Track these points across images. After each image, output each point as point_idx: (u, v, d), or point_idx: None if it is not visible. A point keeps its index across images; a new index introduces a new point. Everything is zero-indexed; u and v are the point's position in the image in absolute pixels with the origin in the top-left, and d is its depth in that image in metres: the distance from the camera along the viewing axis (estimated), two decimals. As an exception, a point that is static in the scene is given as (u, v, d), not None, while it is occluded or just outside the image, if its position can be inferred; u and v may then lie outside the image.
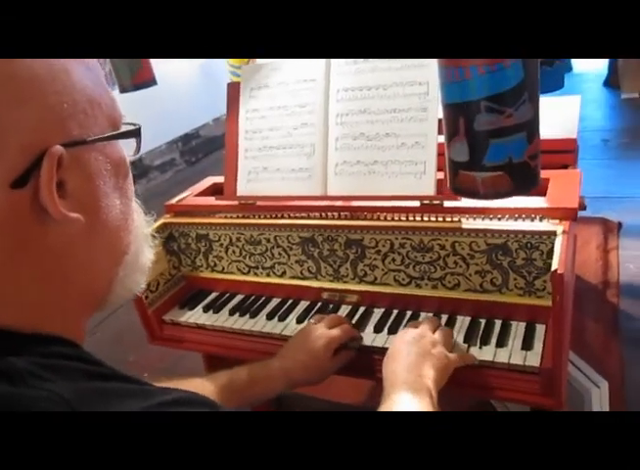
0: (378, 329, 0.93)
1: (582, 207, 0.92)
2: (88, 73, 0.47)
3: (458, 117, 0.66)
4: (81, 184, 0.45)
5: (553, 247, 0.77)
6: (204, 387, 0.84)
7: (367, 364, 0.90)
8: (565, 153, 1.00)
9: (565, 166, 1.00)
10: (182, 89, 4.00)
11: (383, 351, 0.82)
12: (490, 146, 0.67)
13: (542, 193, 0.87)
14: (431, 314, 0.94)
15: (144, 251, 0.55)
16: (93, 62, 0.49)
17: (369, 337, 0.93)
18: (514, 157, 0.67)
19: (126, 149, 0.54)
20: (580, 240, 2.06)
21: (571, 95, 1.33)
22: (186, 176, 4.11)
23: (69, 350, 0.45)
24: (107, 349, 2.24)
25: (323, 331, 0.89)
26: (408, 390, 0.69)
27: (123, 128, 0.51)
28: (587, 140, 3.09)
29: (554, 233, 0.79)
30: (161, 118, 4.05)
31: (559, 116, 1.13)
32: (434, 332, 0.82)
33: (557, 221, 0.82)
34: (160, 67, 4.07)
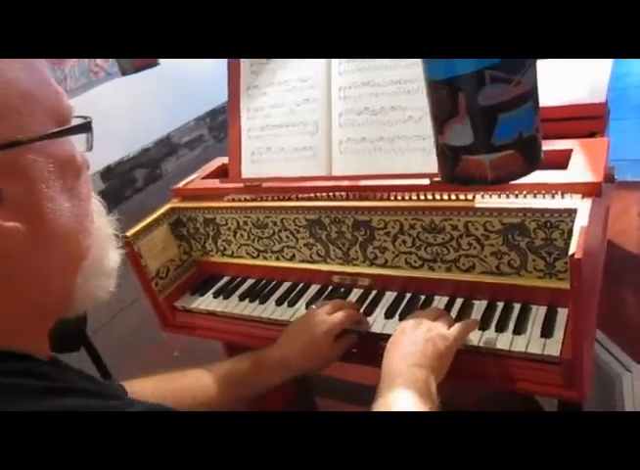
0: (389, 315, 0.89)
1: (610, 179, 0.83)
2: (19, 65, 0.42)
3: (456, 93, 0.58)
4: (19, 189, 0.41)
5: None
6: (201, 380, 0.82)
7: (378, 352, 0.86)
8: (592, 119, 0.91)
9: (592, 135, 0.91)
10: (207, 64, 3.95)
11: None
12: (499, 122, 0.60)
13: (564, 166, 0.80)
14: (446, 298, 0.89)
15: (108, 254, 0.51)
16: None
17: (380, 323, 0.88)
18: (524, 131, 0.60)
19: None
20: (620, 207, 1.95)
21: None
22: (214, 152, 4.09)
23: (19, 364, 0.42)
24: (140, 327, 2.28)
25: (323, 317, 0.85)
26: (402, 384, 0.65)
27: (74, 123, 0.47)
28: (631, 98, 2.90)
29: (575, 211, 0.72)
30: (188, 95, 4.03)
31: (587, 78, 1.03)
32: (434, 319, 0.77)
33: (580, 197, 0.75)
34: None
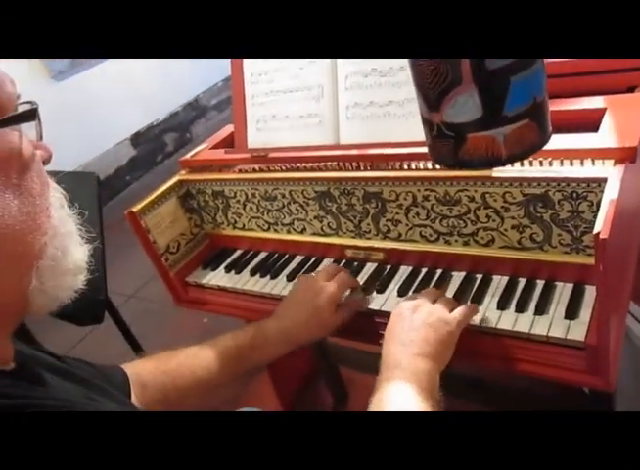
0: (402, 293, 0.83)
1: (649, 140, 0.74)
2: None
3: (458, 63, 0.49)
4: None
5: (603, 197, 0.62)
6: (200, 356, 0.80)
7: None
8: (630, 71, 0.80)
9: (630, 89, 0.81)
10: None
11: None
12: (511, 87, 0.51)
13: (594, 128, 0.71)
14: (463, 274, 0.83)
15: (69, 251, 0.47)
16: None
17: (392, 301, 0.83)
18: (538, 95, 0.52)
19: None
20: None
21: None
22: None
23: None
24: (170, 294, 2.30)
25: (322, 284, 0.81)
26: (401, 377, 0.61)
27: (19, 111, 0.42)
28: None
29: (605, 180, 0.64)
30: (214, 55, 3.94)
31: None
32: (433, 302, 0.71)
33: (612, 163, 0.66)
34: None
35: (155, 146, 3.72)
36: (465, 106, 0.51)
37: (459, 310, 0.71)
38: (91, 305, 1.28)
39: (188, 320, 2.10)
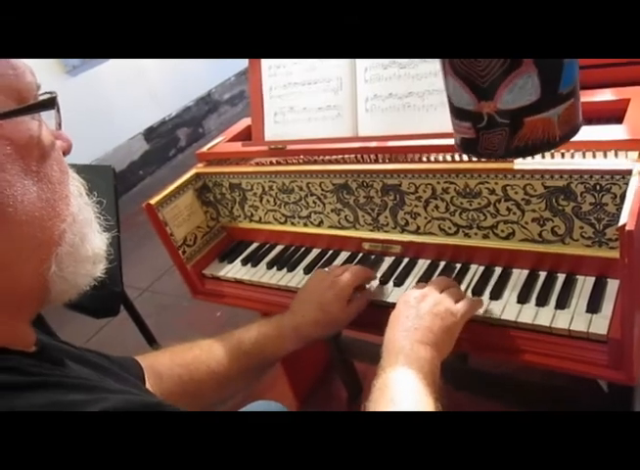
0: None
1: (674, 132, 0.73)
2: None
3: None
4: None
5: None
6: (214, 350, 0.80)
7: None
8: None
9: (655, 80, 0.80)
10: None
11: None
12: (564, 66, 0.50)
13: (619, 119, 0.70)
14: (482, 267, 0.82)
15: (88, 238, 0.48)
16: None
17: (411, 294, 0.83)
18: (577, 74, 0.52)
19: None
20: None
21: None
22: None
23: None
24: (184, 287, 2.31)
25: (332, 280, 0.81)
26: (404, 362, 0.61)
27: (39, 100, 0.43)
28: None
29: (629, 172, 0.63)
30: (227, 50, 3.94)
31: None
32: (441, 291, 0.71)
33: (636, 155, 0.66)
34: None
35: (167, 141, 3.73)
36: (524, 88, 0.49)
37: (464, 302, 0.71)
38: (107, 297, 1.29)
39: (201, 314, 2.11)
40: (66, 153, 0.49)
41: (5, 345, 0.42)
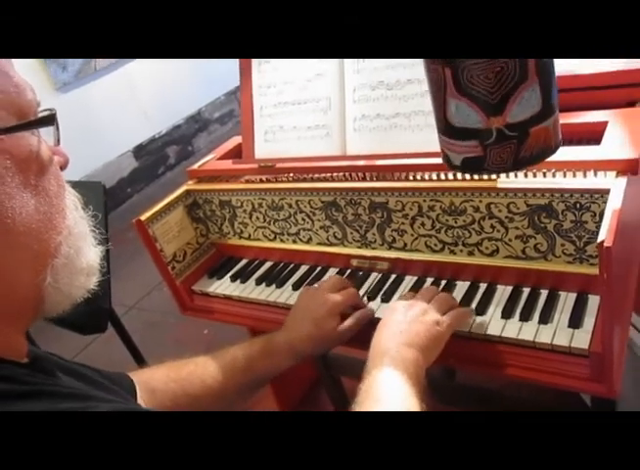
0: (407, 301, 0.84)
1: (650, 153, 0.76)
2: None
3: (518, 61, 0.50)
4: None
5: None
6: (209, 366, 0.80)
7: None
8: (632, 86, 0.83)
9: (632, 104, 0.83)
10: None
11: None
12: (554, 77, 0.53)
13: (597, 140, 0.73)
14: (468, 283, 0.84)
15: (83, 251, 0.49)
16: None
17: (398, 310, 0.84)
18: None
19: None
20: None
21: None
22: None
23: None
24: (171, 305, 2.31)
25: (326, 297, 0.82)
26: (389, 363, 0.63)
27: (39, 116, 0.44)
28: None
29: (607, 191, 0.65)
30: (218, 70, 3.98)
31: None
32: (429, 301, 0.73)
33: (614, 174, 0.68)
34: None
35: (157, 158, 3.74)
36: (529, 101, 0.51)
37: (452, 314, 0.73)
38: (95, 314, 1.29)
39: (189, 332, 2.10)
40: (62, 168, 0.50)
41: (3, 354, 0.43)
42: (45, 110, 0.48)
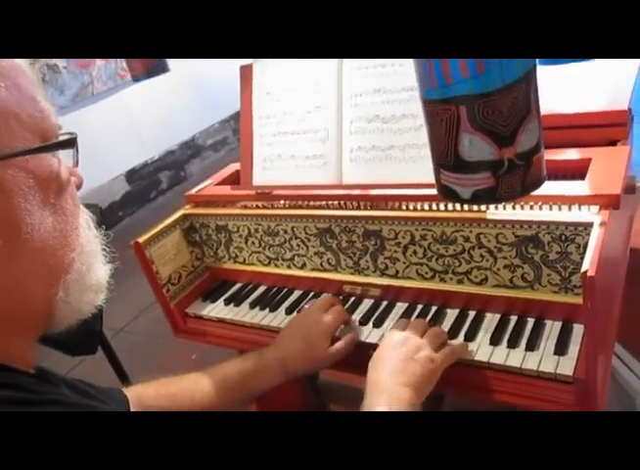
0: (398, 327, 0.87)
1: (630, 189, 0.80)
2: (5, 88, 0.43)
3: (529, 90, 0.54)
4: None
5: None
6: (199, 383, 0.82)
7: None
8: (613, 126, 0.87)
9: (613, 143, 0.87)
10: (231, 68, 3.98)
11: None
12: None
13: (582, 176, 0.77)
14: (457, 311, 0.86)
15: (94, 268, 0.51)
16: (11, 70, 0.45)
17: (389, 335, 0.86)
18: None
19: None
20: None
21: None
22: (239, 154, 4.12)
23: None
24: (159, 329, 2.30)
25: (318, 317, 0.85)
26: (387, 402, 0.65)
27: (60, 139, 0.47)
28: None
29: (591, 224, 0.69)
30: (213, 98, 4.06)
31: (609, 83, 0.99)
32: (422, 335, 0.75)
33: (597, 209, 0.72)
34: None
35: (149, 183, 3.77)
36: (532, 131, 0.55)
37: (445, 351, 0.75)
38: (86, 335, 1.29)
39: (177, 356, 2.09)
40: (77, 188, 0.53)
41: (10, 363, 0.44)
42: (66, 133, 0.50)
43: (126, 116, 3.56)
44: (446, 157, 0.57)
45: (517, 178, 0.58)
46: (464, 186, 0.59)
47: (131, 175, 3.64)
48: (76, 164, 0.52)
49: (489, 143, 0.55)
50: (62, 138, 0.49)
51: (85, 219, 0.52)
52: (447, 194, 0.61)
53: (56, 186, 0.47)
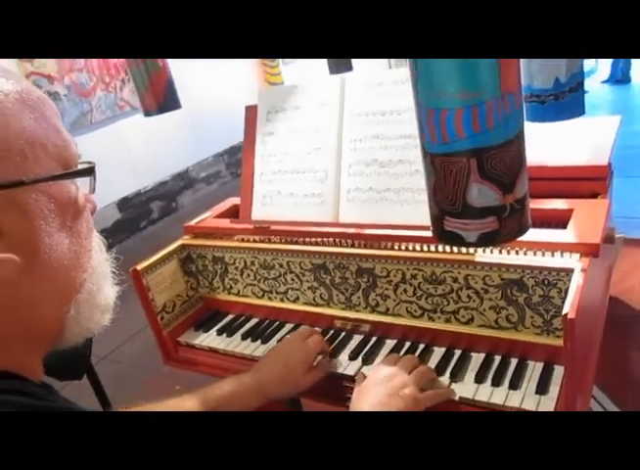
0: (387, 363, 0.90)
1: (610, 240, 0.85)
2: (31, 116, 0.47)
3: (523, 145, 0.58)
4: (18, 225, 0.45)
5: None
6: (181, 407, 0.84)
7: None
8: (594, 180, 0.93)
9: (594, 195, 0.93)
10: (227, 103, 4.08)
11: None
12: None
13: (564, 225, 0.82)
14: (444, 349, 0.90)
15: (103, 289, 0.54)
16: (40, 103, 0.49)
17: (378, 370, 0.89)
18: None
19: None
20: (629, 264, 1.94)
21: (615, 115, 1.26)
22: (231, 188, 4.18)
23: (12, 383, 0.45)
24: (143, 358, 2.29)
25: (299, 344, 0.89)
26: None
27: (80, 168, 0.51)
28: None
29: (572, 270, 0.73)
30: (208, 132, 4.13)
31: (592, 139, 1.06)
32: (410, 372, 0.79)
33: (578, 256, 0.76)
34: (208, 84, 4.16)
35: (140, 212, 3.80)
36: (525, 180, 0.59)
37: (429, 393, 0.78)
38: (75, 360, 1.30)
39: (160, 386, 2.08)
40: (91, 214, 0.56)
41: (24, 374, 0.47)
42: (84, 162, 0.54)
43: (122, 145, 3.62)
44: (453, 205, 0.61)
45: (515, 221, 0.62)
46: (470, 230, 0.63)
47: (123, 204, 3.67)
48: (93, 190, 0.55)
49: (495, 190, 0.59)
50: (81, 166, 0.53)
51: (97, 243, 0.56)
52: (452, 239, 0.65)
53: (73, 211, 0.50)
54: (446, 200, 0.61)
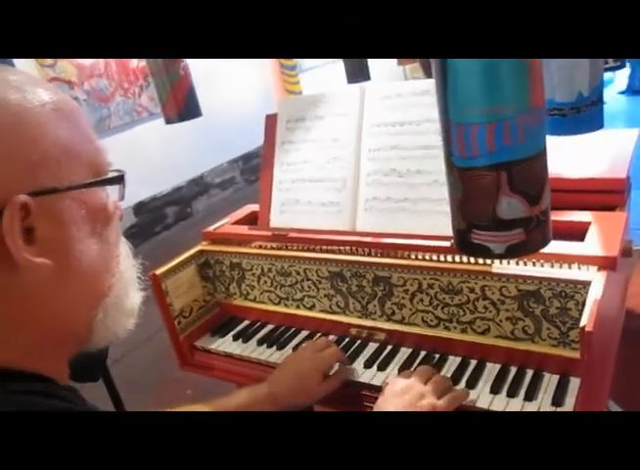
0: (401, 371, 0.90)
1: (627, 253, 0.85)
2: (66, 125, 0.48)
3: (546, 157, 0.59)
4: (52, 230, 0.47)
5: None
6: None
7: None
8: (612, 193, 0.93)
9: (612, 208, 0.93)
10: (244, 111, 4.12)
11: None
12: None
13: (581, 237, 0.82)
14: (459, 359, 0.90)
15: (129, 294, 0.56)
16: (75, 113, 0.50)
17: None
18: None
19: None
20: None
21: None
22: (245, 194, 4.21)
23: (43, 386, 0.46)
24: (156, 363, 2.31)
25: (313, 354, 0.90)
26: None
27: (110, 176, 0.53)
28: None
29: (589, 283, 0.74)
30: (224, 138, 4.17)
31: (610, 152, 1.06)
32: (425, 382, 0.79)
33: (595, 269, 0.77)
34: (224, 91, 4.19)
35: (155, 217, 3.84)
36: (548, 190, 0.60)
37: (447, 398, 0.78)
38: (93, 363, 1.31)
39: (171, 391, 2.10)
40: (120, 220, 0.58)
41: (52, 376, 0.48)
42: (115, 170, 0.56)
43: (139, 150, 3.66)
44: (481, 217, 0.62)
45: (540, 232, 0.63)
46: (498, 242, 0.64)
47: (139, 208, 3.71)
48: (122, 198, 0.57)
49: (523, 203, 0.60)
50: (111, 175, 0.54)
51: (125, 249, 0.57)
52: (478, 251, 0.66)
53: (103, 217, 0.52)
54: (475, 213, 0.62)
